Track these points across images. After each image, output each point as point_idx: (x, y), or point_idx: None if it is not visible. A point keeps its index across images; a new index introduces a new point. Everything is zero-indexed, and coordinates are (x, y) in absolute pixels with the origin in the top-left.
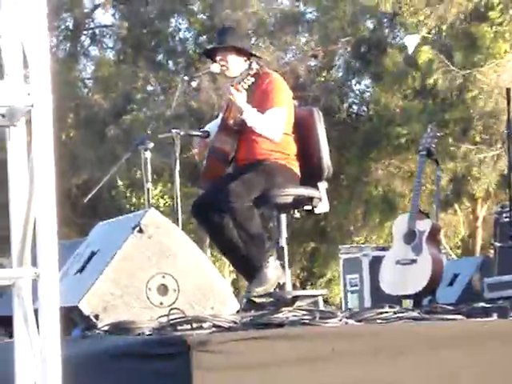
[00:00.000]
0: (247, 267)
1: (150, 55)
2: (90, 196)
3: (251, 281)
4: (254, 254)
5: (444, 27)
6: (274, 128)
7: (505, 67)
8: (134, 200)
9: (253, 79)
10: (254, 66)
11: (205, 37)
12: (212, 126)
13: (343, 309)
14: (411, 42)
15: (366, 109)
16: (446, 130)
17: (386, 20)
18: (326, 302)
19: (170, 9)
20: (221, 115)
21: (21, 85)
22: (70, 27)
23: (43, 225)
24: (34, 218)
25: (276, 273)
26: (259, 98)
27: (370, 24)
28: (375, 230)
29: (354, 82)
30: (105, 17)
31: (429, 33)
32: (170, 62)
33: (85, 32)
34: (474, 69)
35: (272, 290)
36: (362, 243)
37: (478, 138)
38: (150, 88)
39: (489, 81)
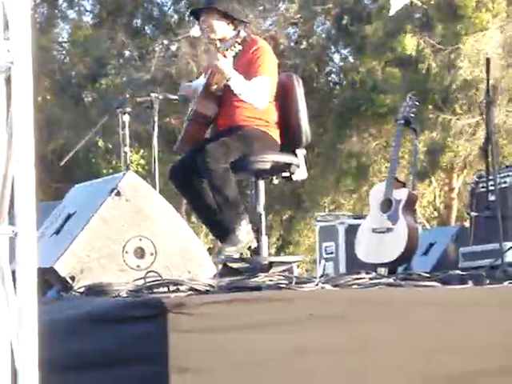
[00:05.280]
0: (221, 230)
1: (128, 20)
2: (65, 160)
3: (223, 242)
4: (227, 217)
5: None
6: (259, 96)
7: (490, 38)
8: (111, 164)
9: (240, 47)
10: (242, 33)
11: (183, 2)
12: (196, 84)
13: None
14: (397, 2)
15: (343, 77)
16: (426, 100)
17: None
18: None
19: None
20: (203, 77)
21: (0, 42)
22: None
23: (21, 183)
24: (12, 177)
25: (248, 236)
26: (245, 65)
27: None
28: (348, 197)
29: (332, 50)
30: None
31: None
32: (148, 28)
33: None
34: (459, 44)
35: (243, 253)
36: (334, 209)
37: (458, 109)
38: (127, 53)
39: (474, 52)
